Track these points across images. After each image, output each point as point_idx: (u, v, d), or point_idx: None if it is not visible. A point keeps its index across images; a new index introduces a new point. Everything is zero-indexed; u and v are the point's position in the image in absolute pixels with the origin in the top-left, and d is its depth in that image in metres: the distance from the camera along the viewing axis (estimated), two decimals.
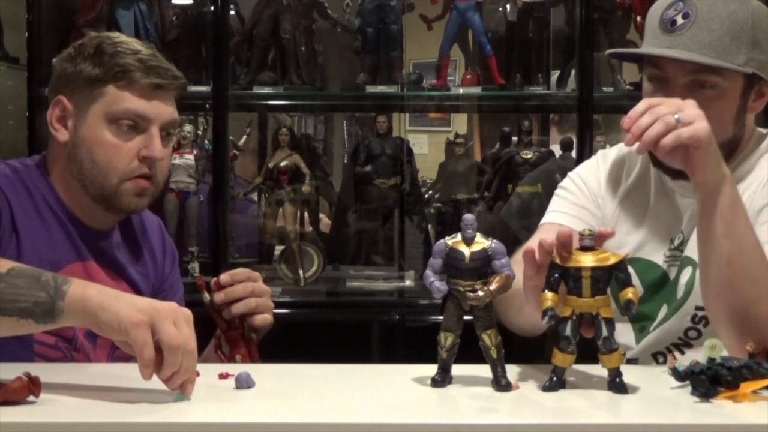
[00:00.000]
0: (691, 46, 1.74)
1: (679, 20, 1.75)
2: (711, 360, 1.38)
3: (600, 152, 2.01)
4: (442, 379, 1.46)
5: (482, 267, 1.42)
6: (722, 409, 1.33)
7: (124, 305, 1.41)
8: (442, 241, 1.44)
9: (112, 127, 1.79)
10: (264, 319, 1.81)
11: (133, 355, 1.42)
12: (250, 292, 1.79)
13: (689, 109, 1.61)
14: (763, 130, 1.88)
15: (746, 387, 1.35)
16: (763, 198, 1.75)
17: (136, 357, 1.39)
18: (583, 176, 1.96)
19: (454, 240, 1.43)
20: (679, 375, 1.42)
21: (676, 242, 1.84)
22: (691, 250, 1.80)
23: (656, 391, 1.43)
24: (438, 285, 1.42)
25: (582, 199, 1.92)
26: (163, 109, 1.81)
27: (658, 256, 1.85)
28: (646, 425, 1.29)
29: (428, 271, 1.43)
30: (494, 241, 1.43)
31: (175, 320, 1.41)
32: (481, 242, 1.42)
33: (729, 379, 1.36)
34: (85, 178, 1.80)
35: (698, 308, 1.77)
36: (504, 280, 1.41)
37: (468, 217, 1.43)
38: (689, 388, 1.39)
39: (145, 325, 1.39)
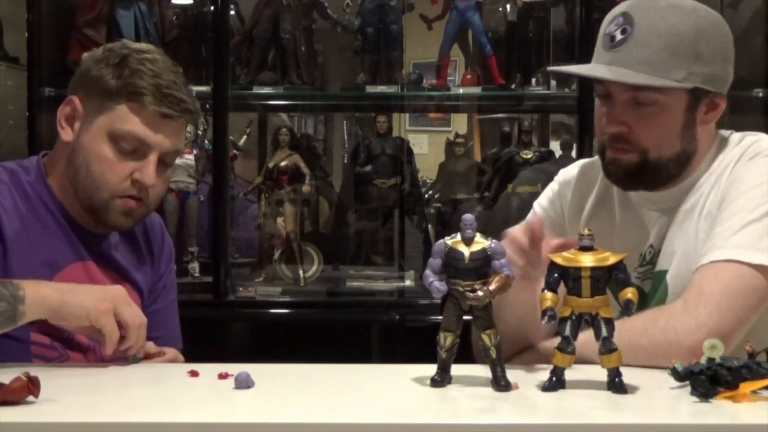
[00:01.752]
0: (628, 63, 1.70)
1: (618, 36, 1.72)
2: (710, 360, 1.38)
3: (561, 172, 1.98)
4: (441, 379, 1.46)
5: (482, 267, 1.42)
6: (722, 409, 1.33)
7: (86, 297, 1.62)
8: (441, 241, 1.44)
9: (113, 144, 1.78)
10: None
11: (92, 337, 1.68)
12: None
13: None
14: (726, 133, 1.84)
15: (746, 387, 1.35)
16: (721, 194, 1.72)
17: (105, 339, 1.61)
18: (545, 207, 1.95)
19: (453, 240, 1.43)
20: (678, 375, 1.42)
21: (648, 257, 1.82)
22: (663, 263, 1.79)
23: (656, 391, 1.43)
24: (437, 285, 1.42)
25: (547, 231, 1.90)
26: (165, 140, 1.80)
27: (630, 272, 1.83)
28: (646, 425, 1.29)
29: (428, 271, 1.43)
30: (494, 241, 1.43)
31: (127, 300, 1.65)
32: (481, 242, 1.42)
33: (728, 379, 1.36)
34: (78, 184, 1.80)
35: None
36: (503, 280, 1.41)
37: (467, 217, 1.43)
38: (689, 388, 1.39)
39: (110, 312, 1.61)
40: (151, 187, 1.80)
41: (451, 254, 1.42)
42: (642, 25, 1.70)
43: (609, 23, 1.75)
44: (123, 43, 1.88)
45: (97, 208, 1.80)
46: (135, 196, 1.80)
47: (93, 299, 1.62)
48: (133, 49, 1.83)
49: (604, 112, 1.78)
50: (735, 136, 1.82)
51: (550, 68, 1.90)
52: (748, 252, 1.64)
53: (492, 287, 1.41)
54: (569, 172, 1.97)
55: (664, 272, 1.78)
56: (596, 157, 1.95)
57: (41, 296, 1.60)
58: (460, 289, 1.42)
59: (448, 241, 1.43)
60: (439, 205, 3.64)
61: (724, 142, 1.82)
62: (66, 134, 1.82)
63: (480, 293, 1.40)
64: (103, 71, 1.80)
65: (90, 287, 1.68)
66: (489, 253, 1.42)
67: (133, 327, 1.63)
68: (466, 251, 1.42)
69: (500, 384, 1.43)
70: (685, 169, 1.78)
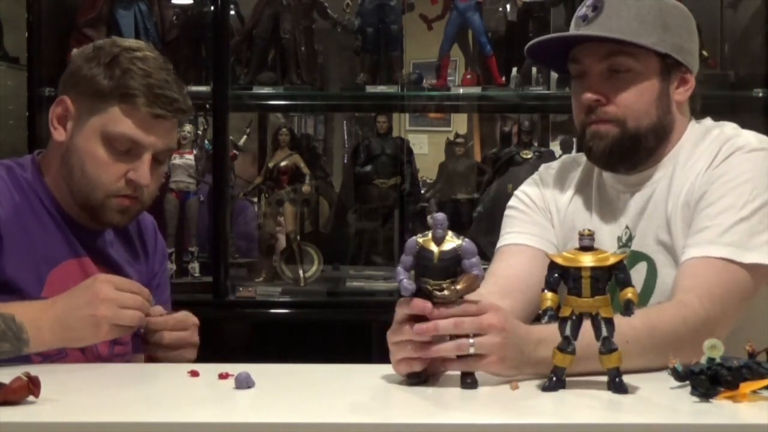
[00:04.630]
0: (601, 32, 1.78)
1: (590, 14, 1.80)
2: (711, 360, 1.38)
3: (543, 166, 2.02)
4: (416, 376, 1.46)
5: (451, 266, 1.41)
6: (722, 409, 1.33)
7: (72, 302, 1.65)
8: (413, 238, 1.44)
9: (106, 145, 1.79)
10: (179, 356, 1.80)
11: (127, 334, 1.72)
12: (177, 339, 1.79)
13: (488, 337, 1.43)
14: (701, 121, 1.88)
15: (746, 387, 1.35)
16: (702, 186, 1.76)
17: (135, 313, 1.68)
18: (528, 193, 1.96)
19: (424, 238, 1.43)
20: (678, 375, 1.41)
21: (624, 239, 1.85)
22: (640, 245, 1.81)
23: (656, 391, 1.43)
24: (406, 283, 1.42)
25: (534, 216, 1.93)
26: (159, 140, 1.80)
27: None
28: (646, 425, 1.29)
29: (399, 268, 1.43)
30: (465, 240, 1.42)
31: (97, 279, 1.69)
32: (452, 241, 1.42)
33: (729, 379, 1.36)
34: (73, 184, 1.81)
35: None
36: (471, 280, 1.41)
37: (438, 216, 1.42)
38: (689, 388, 1.39)
39: (108, 285, 1.65)
40: (146, 186, 1.81)
41: (422, 252, 1.42)
42: (612, 1, 1.79)
43: (580, 8, 1.84)
44: (113, 40, 1.87)
45: (93, 207, 1.81)
46: (130, 195, 1.81)
47: (80, 299, 1.65)
48: (123, 47, 1.82)
49: (580, 90, 1.83)
50: (707, 123, 1.87)
51: (528, 44, 1.91)
52: (739, 251, 1.69)
53: (459, 286, 1.41)
54: (551, 164, 2.02)
55: (640, 253, 1.81)
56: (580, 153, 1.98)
57: (41, 336, 1.62)
58: (429, 287, 1.41)
59: (419, 239, 1.43)
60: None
61: (699, 131, 1.85)
62: (59, 134, 1.82)
63: (446, 292, 1.40)
64: (94, 71, 1.79)
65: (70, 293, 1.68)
66: (459, 252, 1.41)
67: (130, 289, 1.70)
68: (435, 250, 1.41)
69: (466, 382, 1.43)
70: (662, 144, 1.83)
